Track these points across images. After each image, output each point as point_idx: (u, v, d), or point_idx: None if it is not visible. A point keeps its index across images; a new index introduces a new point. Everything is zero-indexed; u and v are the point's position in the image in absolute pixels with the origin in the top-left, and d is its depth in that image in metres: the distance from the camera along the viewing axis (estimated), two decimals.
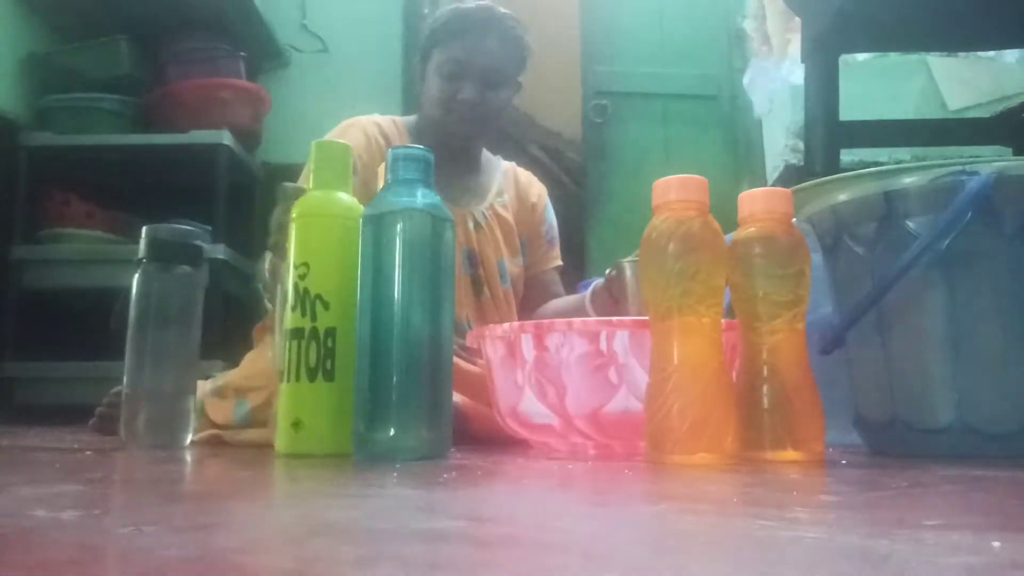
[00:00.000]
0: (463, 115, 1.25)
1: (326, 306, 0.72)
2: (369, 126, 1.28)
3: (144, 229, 0.90)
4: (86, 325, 1.86)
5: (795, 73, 1.93)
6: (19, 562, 0.27)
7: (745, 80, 2.39)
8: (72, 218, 1.93)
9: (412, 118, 1.36)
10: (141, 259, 0.89)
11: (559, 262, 1.44)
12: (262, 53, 2.30)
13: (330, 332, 0.72)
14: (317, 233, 0.75)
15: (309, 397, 0.72)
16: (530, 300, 1.40)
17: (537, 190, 1.44)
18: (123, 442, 0.84)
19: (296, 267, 0.74)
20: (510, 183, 1.40)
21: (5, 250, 1.85)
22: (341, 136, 1.25)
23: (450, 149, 1.26)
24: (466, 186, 1.33)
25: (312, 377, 0.71)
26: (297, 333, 0.72)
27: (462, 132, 1.29)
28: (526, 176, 1.44)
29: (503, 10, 1.28)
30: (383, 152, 1.24)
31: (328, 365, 0.72)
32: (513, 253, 1.35)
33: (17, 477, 0.57)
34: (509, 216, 1.36)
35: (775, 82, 2.08)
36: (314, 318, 0.72)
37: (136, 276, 0.88)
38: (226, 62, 2.09)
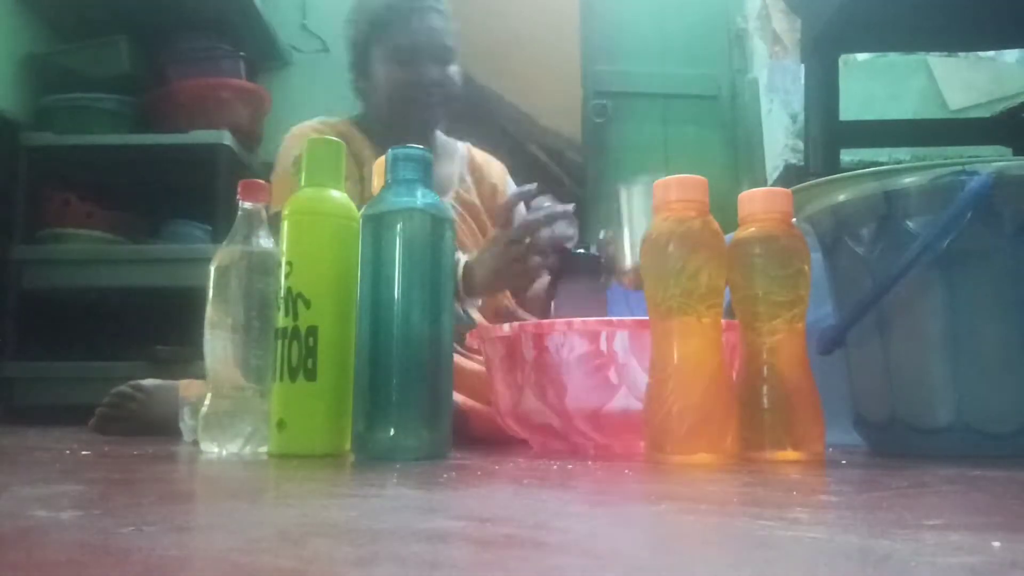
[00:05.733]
0: (431, 97, 1.24)
1: (307, 304, 0.72)
2: (327, 132, 1.25)
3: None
4: (86, 325, 1.87)
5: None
6: (19, 562, 0.27)
7: (763, 81, 2.38)
8: (72, 218, 1.93)
9: (345, 120, 1.32)
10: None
11: None
12: (262, 53, 2.30)
13: (311, 331, 0.71)
14: (303, 231, 0.75)
15: (291, 397, 0.71)
16: None
17: (496, 170, 1.40)
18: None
19: (282, 266, 0.74)
20: (468, 167, 1.37)
21: (5, 250, 1.85)
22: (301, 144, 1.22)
23: (408, 136, 1.21)
24: None
25: (294, 377, 0.71)
26: (282, 332, 0.72)
27: (430, 115, 1.27)
28: (482, 157, 1.41)
29: None
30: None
31: (309, 364, 0.71)
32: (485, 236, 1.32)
33: (17, 477, 0.57)
34: (475, 199, 1.34)
35: (797, 82, 2.08)
36: (296, 317, 0.72)
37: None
38: (226, 62, 2.09)
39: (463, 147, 1.40)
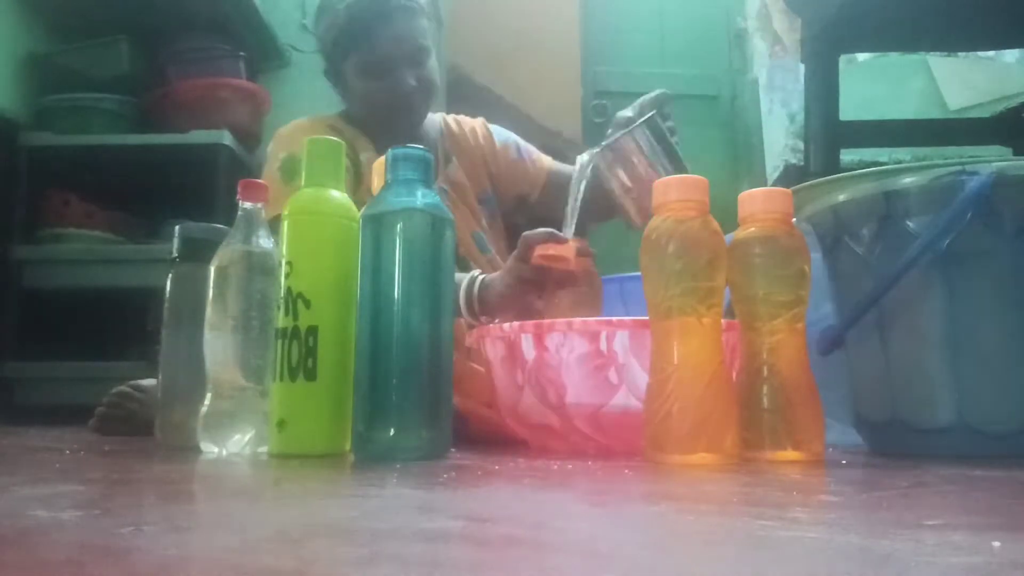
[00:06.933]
0: (410, 103, 1.21)
1: (307, 304, 0.72)
2: (318, 127, 1.22)
3: (176, 228, 0.90)
4: (86, 325, 1.87)
5: None
6: (19, 562, 0.27)
7: (762, 81, 2.38)
8: (72, 218, 1.92)
9: (334, 115, 1.29)
10: (174, 258, 0.88)
11: (549, 160, 1.35)
12: (262, 53, 2.30)
13: (311, 331, 0.72)
14: (303, 231, 0.75)
15: (292, 397, 0.71)
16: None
17: (473, 127, 1.35)
18: (159, 443, 0.84)
19: (282, 266, 0.74)
20: (448, 141, 1.33)
21: (5, 250, 1.85)
22: (295, 142, 1.17)
23: (397, 135, 1.19)
24: None
25: (294, 377, 0.71)
26: (282, 332, 0.72)
27: (412, 118, 1.24)
28: (456, 123, 1.36)
29: None
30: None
31: (310, 364, 0.71)
32: (478, 218, 1.30)
33: (17, 477, 0.57)
34: (463, 179, 1.30)
35: (798, 82, 2.08)
36: (296, 317, 0.72)
37: (169, 275, 0.88)
38: (226, 62, 2.08)
39: (438, 120, 1.35)
